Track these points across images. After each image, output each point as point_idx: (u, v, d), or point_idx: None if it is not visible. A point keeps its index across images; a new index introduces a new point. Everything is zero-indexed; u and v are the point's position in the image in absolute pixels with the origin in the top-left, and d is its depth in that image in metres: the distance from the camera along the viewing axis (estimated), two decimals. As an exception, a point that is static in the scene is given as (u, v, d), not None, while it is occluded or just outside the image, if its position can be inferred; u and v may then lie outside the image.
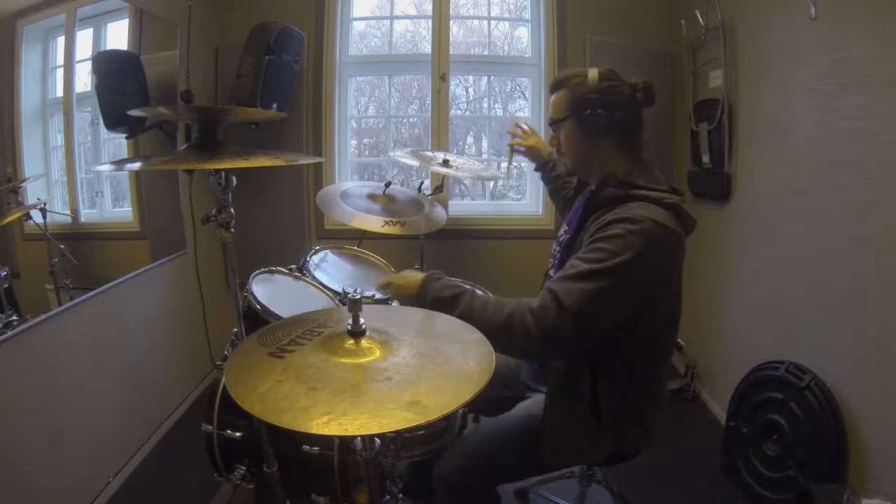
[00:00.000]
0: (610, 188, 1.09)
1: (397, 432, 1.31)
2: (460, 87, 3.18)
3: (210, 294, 2.25)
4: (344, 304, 1.37)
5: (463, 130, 3.24)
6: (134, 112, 1.22)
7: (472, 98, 3.25)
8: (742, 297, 2.23)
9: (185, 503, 1.83)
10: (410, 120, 3.22)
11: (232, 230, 1.18)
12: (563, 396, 1.15)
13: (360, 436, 1.06)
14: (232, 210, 1.17)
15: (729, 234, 2.31)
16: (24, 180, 1.58)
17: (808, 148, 1.78)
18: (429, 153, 2.31)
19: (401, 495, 1.43)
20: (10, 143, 1.54)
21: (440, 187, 2.39)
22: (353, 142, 3.08)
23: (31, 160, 1.60)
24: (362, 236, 2.19)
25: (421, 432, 1.39)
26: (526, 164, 3.02)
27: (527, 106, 3.04)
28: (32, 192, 1.61)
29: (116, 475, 1.90)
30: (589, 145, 1.15)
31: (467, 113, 3.26)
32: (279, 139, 2.64)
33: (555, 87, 1.19)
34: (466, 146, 3.26)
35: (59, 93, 1.72)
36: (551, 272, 1.31)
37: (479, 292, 1.11)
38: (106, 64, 1.90)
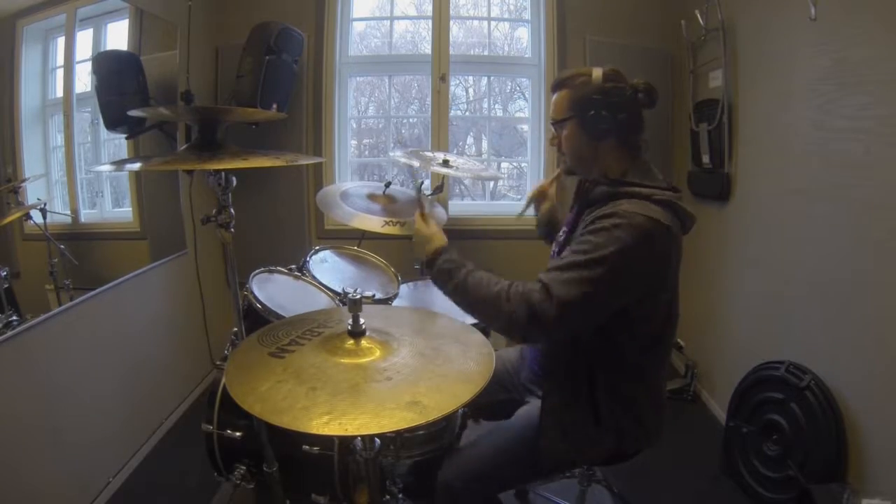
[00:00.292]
0: (602, 186, 1.10)
1: (397, 432, 1.31)
2: (460, 88, 3.18)
3: (210, 294, 2.25)
4: (344, 304, 1.37)
5: (463, 131, 3.25)
6: (134, 112, 1.22)
7: (472, 98, 3.25)
8: (742, 297, 2.23)
9: (185, 503, 1.83)
10: (410, 120, 3.22)
11: (232, 230, 1.18)
12: (561, 395, 1.14)
13: (360, 436, 1.06)
14: (232, 210, 1.17)
15: (729, 234, 2.31)
16: (24, 180, 1.58)
17: (808, 148, 1.78)
18: (429, 153, 2.31)
19: (401, 495, 1.43)
20: (10, 143, 1.54)
21: (440, 187, 2.39)
22: (353, 142, 3.08)
23: (31, 160, 1.60)
24: (362, 236, 2.19)
25: (421, 432, 1.39)
26: (526, 164, 3.02)
27: (527, 106, 3.04)
28: (32, 192, 1.61)
29: (116, 475, 1.90)
30: (591, 146, 1.14)
31: (467, 113, 3.27)
32: (279, 139, 2.64)
33: (557, 86, 1.18)
34: (466, 146, 3.26)
35: (59, 93, 1.72)
36: None
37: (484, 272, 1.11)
38: (106, 64, 1.90)
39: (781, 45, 1.91)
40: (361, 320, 1.01)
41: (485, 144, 3.20)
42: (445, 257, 1.14)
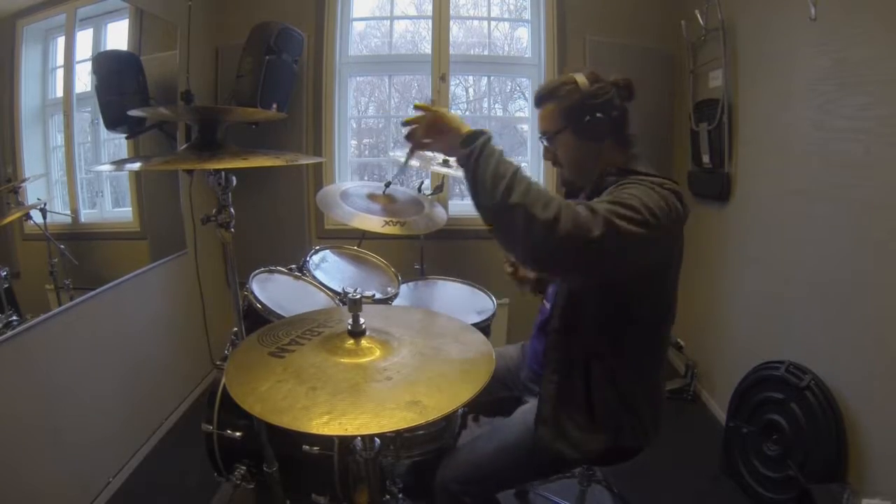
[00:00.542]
0: (611, 176, 1.09)
1: (397, 432, 1.31)
2: (460, 88, 3.17)
3: (210, 294, 2.25)
4: (344, 303, 1.37)
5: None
6: (134, 112, 1.22)
7: (472, 98, 3.25)
8: (742, 297, 2.23)
9: (184, 503, 1.83)
10: (410, 120, 3.22)
11: (232, 230, 1.18)
12: (557, 388, 1.14)
13: (360, 436, 1.06)
14: (232, 210, 1.17)
15: (729, 234, 2.31)
16: (24, 180, 1.58)
17: (808, 148, 1.78)
18: (429, 153, 2.31)
19: (401, 495, 1.43)
20: (10, 143, 1.54)
21: (440, 187, 2.39)
22: (353, 142, 3.08)
23: (31, 160, 1.60)
24: (362, 236, 2.19)
25: (421, 432, 1.39)
26: (526, 165, 3.02)
27: (526, 106, 3.04)
28: (32, 192, 1.61)
29: (116, 475, 1.90)
30: (591, 150, 1.13)
31: (467, 113, 3.26)
32: (279, 139, 2.64)
33: (542, 100, 1.17)
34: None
35: (59, 93, 1.72)
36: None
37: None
38: (106, 64, 1.90)
39: (781, 45, 1.90)
40: (361, 320, 1.01)
41: (485, 144, 3.19)
42: (485, 136, 0.95)
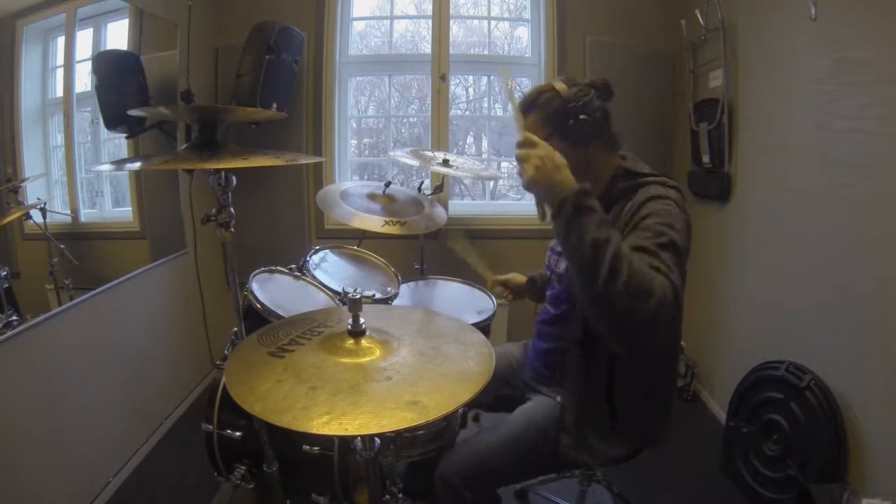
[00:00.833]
0: (620, 181, 1.12)
1: (397, 432, 1.31)
2: (460, 87, 3.17)
3: (210, 294, 2.25)
4: (344, 303, 1.37)
5: (463, 130, 3.24)
6: (134, 112, 1.22)
7: (472, 98, 3.25)
8: (742, 297, 2.23)
9: (184, 503, 1.83)
10: (410, 120, 3.22)
11: (232, 230, 1.18)
12: (580, 398, 1.16)
13: (360, 436, 1.06)
14: (232, 210, 1.17)
15: (729, 234, 2.31)
16: (24, 180, 1.58)
17: (808, 148, 1.78)
18: (429, 153, 2.31)
19: (401, 495, 1.43)
20: (10, 143, 1.54)
21: (440, 187, 2.39)
22: (353, 142, 3.08)
23: (31, 160, 1.60)
24: (362, 236, 2.19)
25: (421, 432, 1.39)
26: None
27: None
28: (32, 191, 1.61)
29: (116, 475, 1.90)
30: (579, 154, 1.14)
31: (467, 113, 3.26)
32: (279, 139, 2.64)
33: (523, 111, 1.17)
34: (466, 146, 3.26)
35: (59, 93, 1.72)
36: (555, 282, 1.32)
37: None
38: (106, 64, 1.90)
39: (781, 45, 1.90)
40: (361, 320, 1.01)
41: (485, 144, 3.20)
42: (588, 201, 0.88)
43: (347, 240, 2.28)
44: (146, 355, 2.13)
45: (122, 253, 2.10)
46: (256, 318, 1.51)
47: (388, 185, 2.11)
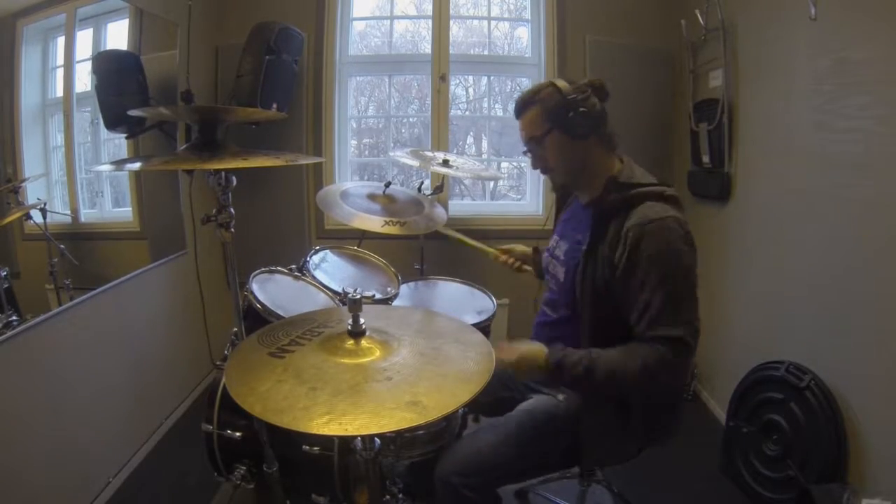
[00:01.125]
0: (612, 194, 1.12)
1: (397, 432, 1.31)
2: (460, 87, 3.17)
3: (210, 294, 2.25)
4: (344, 304, 1.37)
5: (463, 130, 3.24)
6: (134, 112, 1.22)
7: (472, 98, 3.25)
8: (742, 297, 2.23)
9: (184, 503, 1.83)
10: (410, 120, 3.22)
11: (232, 230, 1.18)
12: (592, 398, 1.17)
13: (360, 436, 1.06)
14: (232, 210, 1.17)
15: (729, 234, 2.31)
16: (24, 180, 1.58)
17: (808, 148, 1.78)
18: (429, 153, 2.31)
19: (401, 495, 1.43)
20: (10, 143, 1.54)
21: (440, 187, 2.39)
22: (353, 142, 3.08)
23: (31, 160, 1.60)
24: (362, 236, 2.19)
25: (421, 432, 1.39)
26: (525, 164, 3.02)
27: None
28: (32, 192, 1.61)
29: (116, 475, 1.90)
30: (578, 148, 1.17)
31: (467, 113, 3.26)
32: (279, 139, 2.64)
33: (524, 106, 1.20)
34: (466, 146, 3.26)
35: (59, 93, 1.72)
36: (552, 285, 1.32)
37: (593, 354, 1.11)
38: (106, 64, 1.90)
39: (781, 45, 1.90)
40: (361, 320, 1.01)
41: (485, 144, 3.20)
42: (569, 361, 1.09)
43: (347, 240, 2.28)
44: (146, 355, 2.13)
45: (122, 253, 2.10)
46: (256, 318, 1.51)
47: (388, 185, 2.11)
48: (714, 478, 1.94)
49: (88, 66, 1.83)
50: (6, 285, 1.48)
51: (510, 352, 1.12)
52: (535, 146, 1.20)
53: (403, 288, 1.97)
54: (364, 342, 0.99)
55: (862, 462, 1.53)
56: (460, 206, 3.06)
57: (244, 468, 1.47)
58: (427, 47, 2.79)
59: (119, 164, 1.25)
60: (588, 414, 1.17)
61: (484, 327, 1.76)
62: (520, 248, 1.61)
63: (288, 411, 0.80)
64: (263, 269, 1.74)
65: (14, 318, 1.49)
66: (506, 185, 3.25)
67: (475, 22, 3.02)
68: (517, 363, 1.11)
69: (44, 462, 1.57)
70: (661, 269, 1.05)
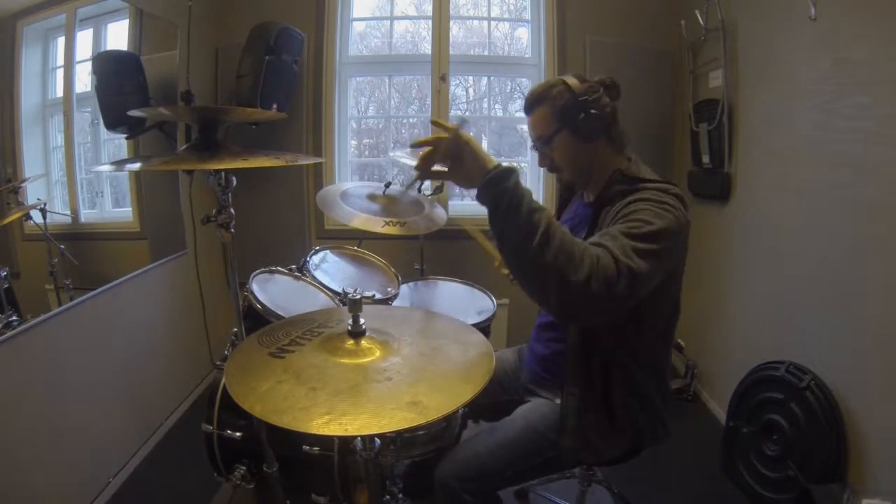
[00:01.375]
0: (618, 184, 1.10)
1: (397, 433, 1.31)
2: (460, 88, 3.17)
3: (210, 294, 2.25)
4: (344, 304, 1.37)
5: (463, 131, 3.24)
6: (134, 112, 1.22)
7: (472, 98, 3.25)
8: (742, 297, 2.23)
9: (184, 503, 1.83)
10: (410, 120, 3.22)
11: (232, 230, 1.18)
12: (579, 400, 1.16)
13: (360, 436, 1.06)
14: (232, 210, 1.17)
15: (729, 234, 2.31)
16: (24, 180, 1.58)
17: (808, 148, 1.78)
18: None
19: (401, 495, 1.43)
20: (10, 143, 1.54)
21: (440, 187, 2.39)
22: (353, 142, 3.08)
23: (31, 160, 1.60)
24: (362, 236, 2.19)
25: (421, 433, 1.39)
26: (526, 165, 3.02)
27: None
28: (32, 192, 1.61)
29: (116, 475, 1.90)
30: (586, 150, 1.15)
31: (467, 113, 3.26)
32: (279, 139, 2.64)
33: (534, 104, 1.17)
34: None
35: (59, 93, 1.72)
36: None
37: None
38: (106, 64, 1.90)
39: (781, 45, 1.90)
40: (361, 320, 1.01)
41: (485, 144, 3.20)
42: (512, 177, 0.89)
43: (347, 240, 2.28)
44: (146, 355, 2.13)
45: (122, 253, 2.10)
46: (256, 318, 1.51)
47: (388, 185, 2.11)
48: (714, 478, 1.94)
49: (88, 66, 1.83)
50: (6, 285, 1.48)
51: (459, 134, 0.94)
52: (543, 145, 1.18)
53: (403, 288, 1.97)
54: (364, 342, 0.99)
55: (862, 462, 1.53)
56: (460, 206, 3.06)
57: (244, 468, 1.46)
58: (427, 47, 2.80)
59: (119, 164, 1.25)
60: (576, 415, 1.16)
61: (484, 327, 1.76)
62: None
63: (288, 411, 0.80)
64: (263, 269, 1.74)
65: (14, 318, 1.49)
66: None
67: (475, 22, 3.02)
68: (456, 141, 0.93)
69: (44, 462, 1.56)
70: (639, 215, 0.95)
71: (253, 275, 1.68)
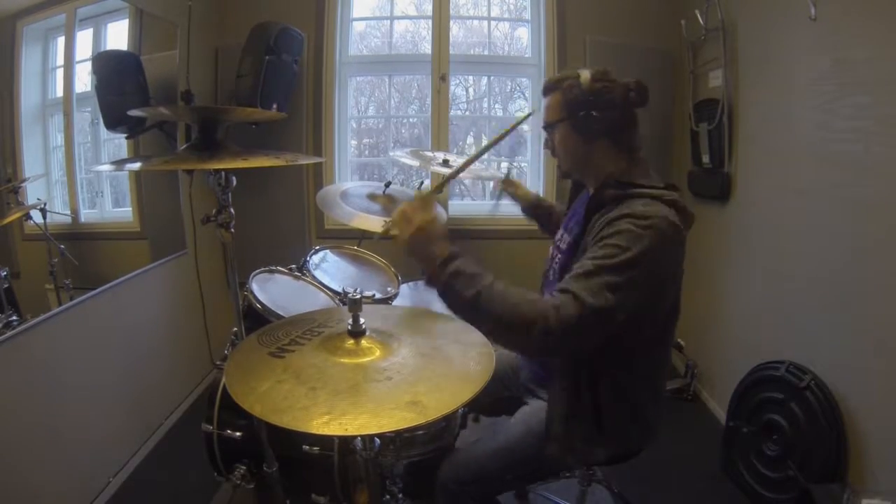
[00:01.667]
0: (610, 189, 1.08)
1: (397, 432, 1.31)
2: (460, 87, 3.17)
3: (210, 294, 2.25)
4: (344, 303, 1.37)
5: (463, 130, 3.24)
6: (134, 112, 1.22)
7: (472, 98, 3.25)
8: (742, 297, 2.23)
9: (184, 503, 1.83)
10: (410, 120, 3.22)
11: (232, 230, 1.18)
12: (566, 401, 1.15)
13: (360, 436, 1.06)
14: (232, 210, 1.17)
15: (729, 234, 2.31)
16: (24, 180, 1.58)
17: (808, 148, 1.78)
18: (429, 153, 2.31)
19: (401, 495, 1.43)
20: (10, 143, 1.54)
21: (440, 187, 2.38)
22: (353, 142, 3.08)
23: (31, 160, 1.60)
24: (362, 236, 2.19)
25: (421, 432, 1.39)
26: (526, 165, 3.02)
27: (527, 106, 3.04)
28: (32, 192, 1.61)
29: (116, 475, 1.90)
30: (585, 147, 1.14)
31: (467, 113, 3.26)
32: (279, 139, 2.64)
33: (548, 90, 1.18)
34: (466, 146, 3.26)
35: (59, 93, 1.72)
36: (550, 275, 1.31)
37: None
38: (106, 64, 1.90)
39: (781, 45, 1.90)
40: (361, 320, 1.01)
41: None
42: (462, 261, 0.97)
43: (347, 240, 2.28)
44: (146, 355, 2.13)
45: (122, 253, 2.10)
46: (256, 318, 1.51)
47: (388, 185, 2.11)
48: (714, 478, 1.94)
49: (88, 66, 1.83)
50: (6, 285, 1.48)
51: (427, 209, 1.02)
52: (549, 130, 1.19)
53: (403, 288, 1.97)
54: (364, 342, 0.99)
55: (862, 462, 1.53)
56: (460, 206, 3.06)
57: (244, 468, 1.47)
58: (427, 47, 2.80)
59: (119, 164, 1.25)
60: (563, 418, 1.14)
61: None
62: (523, 190, 1.69)
63: (288, 411, 0.80)
64: (263, 268, 1.74)
65: (14, 318, 1.49)
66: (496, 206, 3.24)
67: (475, 22, 3.02)
68: (414, 235, 0.99)
69: (44, 462, 1.56)
70: (616, 241, 0.95)
71: (253, 274, 1.68)
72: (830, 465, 1.57)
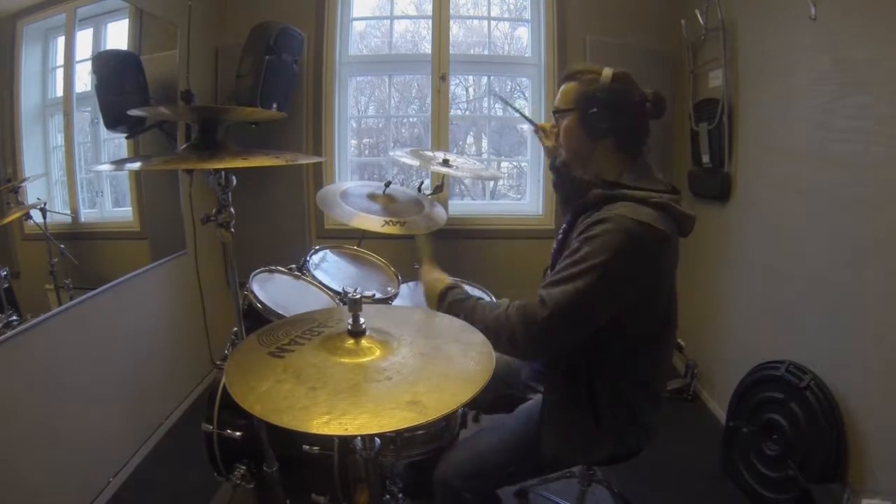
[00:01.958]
0: (596, 189, 1.09)
1: (397, 432, 1.31)
2: (460, 87, 3.17)
3: (210, 294, 2.25)
4: (344, 303, 1.37)
5: (463, 130, 3.24)
6: (134, 112, 1.22)
7: (472, 98, 3.25)
8: (742, 297, 2.23)
9: (185, 503, 1.83)
10: (410, 120, 3.22)
11: (232, 230, 1.18)
12: (561, 399, 1.15)
13: (360, 436, 1.06)
14: (232, 210, 1.17)
15: (729, 234, 2.31)
16: (24, 180, 1.58)
17: (808, 148, 1.78)
18: (429, 153, 2.31)
19: (401, 495, 1.43)
20: (10, 143, 1.54)
21: (440, 187, 2.39)
22: (353, 142, 3.08)
23: (31, 160, 1.60)
24: (362, 236, 2.19)
25: (421, 432, 1.39)
26: (526, 164, 3.02)
27: (527, 106, 3.03)
28: (32, 191, 1.61)
29: (116, 475, 1.90)
30: (588, 143, 1.14)
31: (467, 113, 3.26)
32: (279, 139, 2.64)
33: (567, 77, 1.18)
34: (466, 146, 3.26)
35: (59, 93, 1.72)
36: (549, 272, 1.31)
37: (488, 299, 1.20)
38: (106, 64, 1.90)
39: (781, 45, 1.90)
40: (361, 320, 1.01)
41: (485, 144, 3.20)
42: (454, 292, 1.21)
43: (347, 240, 2.28)
44: (146, 355, 2.13)
45: (122, 253, 2.10)
46: (256, 318, 1.51)
47: (388, 185, 2.11)
48: (714, 478, 1.94)
49: (88, 66, 1.83)
50: (6, 285, 1.48)
51: (432, 269, 1.36)
52: (558, 117, 1.19)
53: (403, 288, 1.97)
54: (364, 342, 0.99)
55: (862, 462, 1.53)
56: (460, 205, 3.06)
57: (244, 468, 1.47)
58: (427, 47, 2.79)
59: (119, 163, 1.25)
60: (560, 415, 1.15)
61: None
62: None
63: (288, 411, 0.80)
64: (263, 268, 1.74)
65: (14, 318, 1.49)
66: (506, 185, 3.25)
67: (475, 22, 3.02)
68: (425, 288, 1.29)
69: (44, 462, 1.56)
70: (587, 249, 0.99)
71: (253, 274, 1.68)
72: (830, 464, 1.57)
